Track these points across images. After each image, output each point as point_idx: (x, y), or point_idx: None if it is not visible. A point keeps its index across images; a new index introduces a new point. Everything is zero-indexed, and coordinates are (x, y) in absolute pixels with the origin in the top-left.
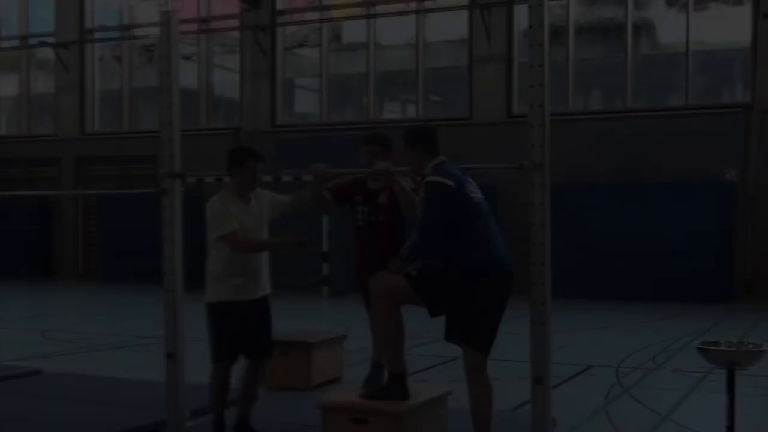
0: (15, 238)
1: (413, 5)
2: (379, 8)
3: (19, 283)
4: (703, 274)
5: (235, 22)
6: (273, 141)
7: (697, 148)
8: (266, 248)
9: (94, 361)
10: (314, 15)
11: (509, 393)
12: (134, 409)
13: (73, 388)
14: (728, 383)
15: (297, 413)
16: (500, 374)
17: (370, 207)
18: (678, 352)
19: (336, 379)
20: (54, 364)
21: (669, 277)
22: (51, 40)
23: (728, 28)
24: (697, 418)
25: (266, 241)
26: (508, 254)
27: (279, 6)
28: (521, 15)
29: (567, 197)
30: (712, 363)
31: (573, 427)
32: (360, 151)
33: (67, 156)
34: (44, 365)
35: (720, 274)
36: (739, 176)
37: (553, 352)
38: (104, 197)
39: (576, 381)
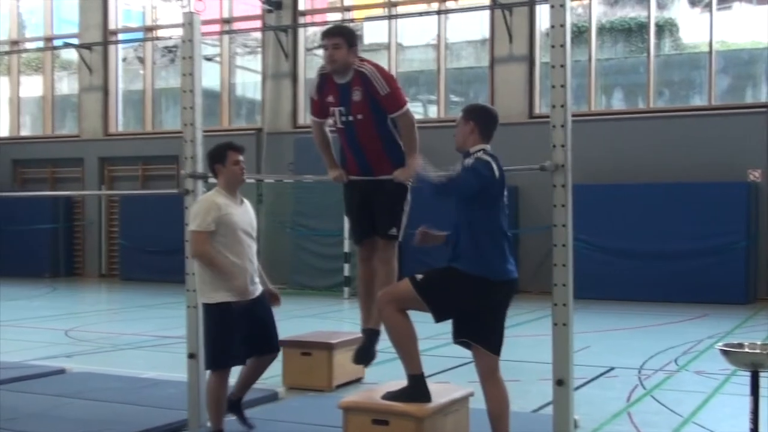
0: (39, 238)
1: (435, 6)
2: (401, 9)
3: (42, 282)
4: (726, 276)
5: (257, 23)
6: (294, 142)
7: (721, 148)
8: (213, 266)
9: (117, 360)
10: (336, 16)
11: (531, 394)
12: (156, 409)
13: (96, 388)
14: (752, 385)
15: (318, 414)
16: (522, 376)
17: (345, 107)
18: (701, 354)
19: (357, 380)
20: (77, 364)
21: (692, 279)
22: (75, 41)
23: (752, 28)
24: (721, 421)
25: (218, 261)
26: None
27: (301, 7)
28: (543, 15)
29: (589, 198)
30: (736, 365)
31: (595, 428)
32: (321, 45)
33: (91, 156)
34: (68, 364)
35: (743, 275)
36: (762, 176)
37: (575, 354)
38: (127, 197)
39: (598, 383)
